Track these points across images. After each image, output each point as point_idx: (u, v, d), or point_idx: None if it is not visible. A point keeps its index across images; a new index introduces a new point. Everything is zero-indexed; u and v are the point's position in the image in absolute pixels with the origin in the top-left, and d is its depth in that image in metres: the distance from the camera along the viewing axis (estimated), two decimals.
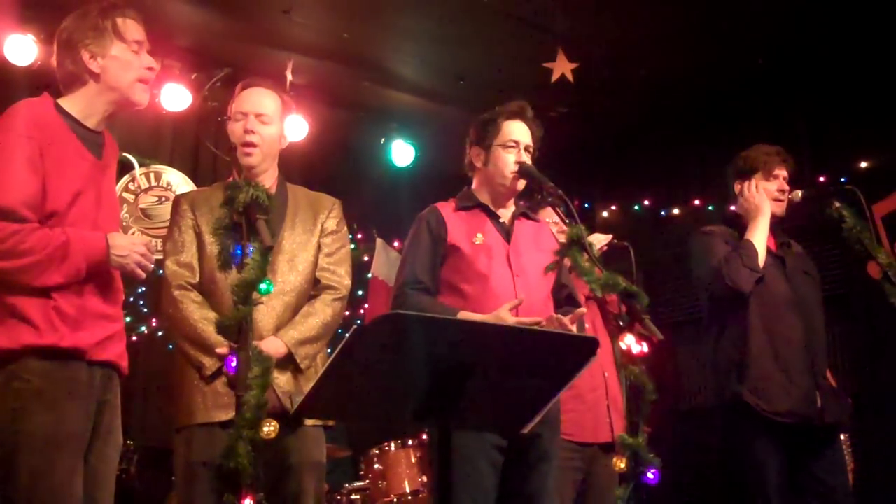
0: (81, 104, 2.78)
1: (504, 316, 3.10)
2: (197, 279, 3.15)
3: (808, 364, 3.76)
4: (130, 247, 2.69)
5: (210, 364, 3.00)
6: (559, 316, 3.15)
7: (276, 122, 3.25)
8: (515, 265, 3.36)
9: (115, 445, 2.77)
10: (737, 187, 4.06)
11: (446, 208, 3.48)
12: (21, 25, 5.56)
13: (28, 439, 2.48)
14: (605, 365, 3.97)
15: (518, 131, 3.46)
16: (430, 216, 3.46)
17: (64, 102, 2.77)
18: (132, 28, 2.82)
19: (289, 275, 3.18)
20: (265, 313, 3.06)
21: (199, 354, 3.02)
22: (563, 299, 3.54)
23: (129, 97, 2.82)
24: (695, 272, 4.04)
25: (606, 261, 3.36)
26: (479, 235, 3.39)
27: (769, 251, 3.89)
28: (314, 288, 3.24)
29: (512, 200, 3.54)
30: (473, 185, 3.56)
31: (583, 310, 3.23)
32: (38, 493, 2.47)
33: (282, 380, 3.03)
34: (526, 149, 3.44)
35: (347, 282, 3.30)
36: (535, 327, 3.03)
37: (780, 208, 4.00)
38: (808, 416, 3.69)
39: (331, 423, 3.22)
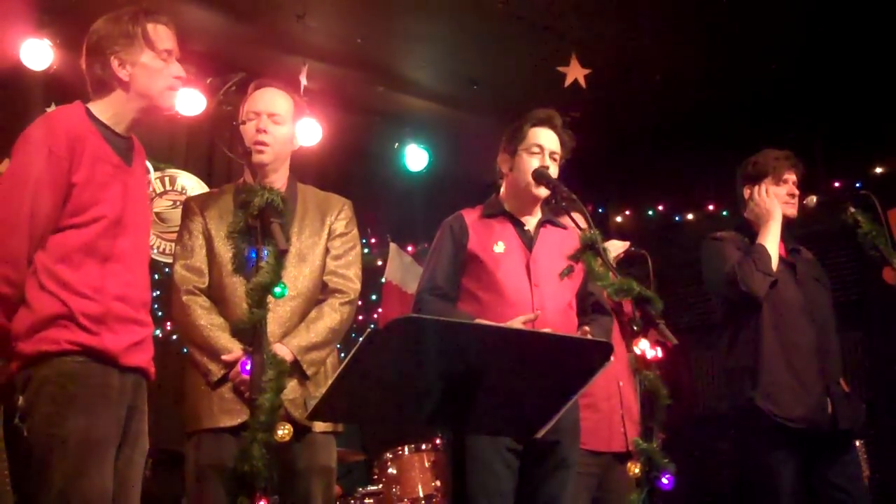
0: (111, 110, 2.77)
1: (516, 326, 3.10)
2: (206, 283, 3.12)
3: (819, 370, 3.73)
4: None
5: (215, 370, 2.98)
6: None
7: (288, 123, 3.23)
8: (534, 274, 3.35)
9: (142, 451, 2.77)
10: (746, 192, 4.02)
11: (471, 215, 3.48)
12: (37, 30, 5.59)
13: (61, 444, 2.49)
14: (619, 374, 3.94)
15: (543, 137, 3.44)
16: (453, 223, 3.46)
17: (94, 107, 2.77)
18: (163, 35, 2.80)
19: (297, 279, 3.11)
20: (271, 318, 2.97)
21: (205, 360, 3.00)
22: (591, 307, 3.53)
23: (158, 104, 2.81)
24: (707, 278, 4.01)
25: (623, 268, 3.35)
26: (500, 243, 3.38)
27: (780, 257, 3.86)
28: (322, 292, 3.19)
29: (538, 208, 3.52)
30: (501, 193, 3.55)
31: (586, 328, 3.23)
32: (70, 497, 2.47)
33: (287, 387, 2.96)
34: (551, 155, 3.43)
35: (356, 285, 3.23)
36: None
37: (791, 212, 3.97)
38: (821, 422, 3.67)
39: (340, 428, 3.20)
